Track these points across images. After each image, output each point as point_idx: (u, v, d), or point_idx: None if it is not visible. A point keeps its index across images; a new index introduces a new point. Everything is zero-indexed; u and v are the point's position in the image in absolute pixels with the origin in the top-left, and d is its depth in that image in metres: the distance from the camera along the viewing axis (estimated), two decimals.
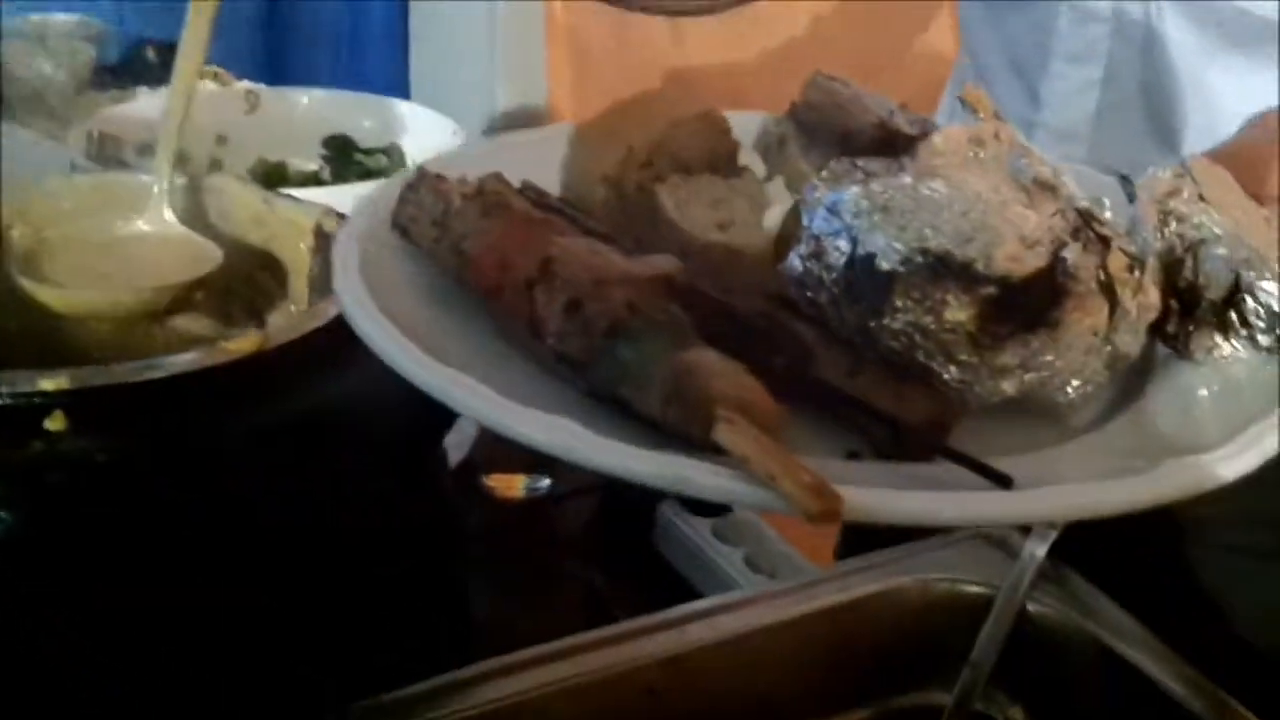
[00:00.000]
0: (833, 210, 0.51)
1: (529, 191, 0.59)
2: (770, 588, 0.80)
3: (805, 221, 0.52)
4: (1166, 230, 0.53)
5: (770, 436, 0.44)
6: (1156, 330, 0.53)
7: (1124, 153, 0.90)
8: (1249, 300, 0.52)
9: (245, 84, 1.35)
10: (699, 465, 0.42)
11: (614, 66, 1.71)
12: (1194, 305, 0.53)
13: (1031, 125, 0.94)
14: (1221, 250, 0.52)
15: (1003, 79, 1.00)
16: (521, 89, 1.69)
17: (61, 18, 1.49)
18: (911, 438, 0.48)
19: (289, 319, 0.75)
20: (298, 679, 0.65)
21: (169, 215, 0.80)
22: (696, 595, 0.91)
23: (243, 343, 0.62)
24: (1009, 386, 0.49)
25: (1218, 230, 0.52)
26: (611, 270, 0.49)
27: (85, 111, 1.26)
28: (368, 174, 1.22)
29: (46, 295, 0.75)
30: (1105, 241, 0.50)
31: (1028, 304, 0.48)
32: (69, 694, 0.60)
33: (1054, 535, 0.79)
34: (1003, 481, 0.44)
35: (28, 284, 0.75)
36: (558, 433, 0.44)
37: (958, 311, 0.48)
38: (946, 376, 0.49)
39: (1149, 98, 0.89)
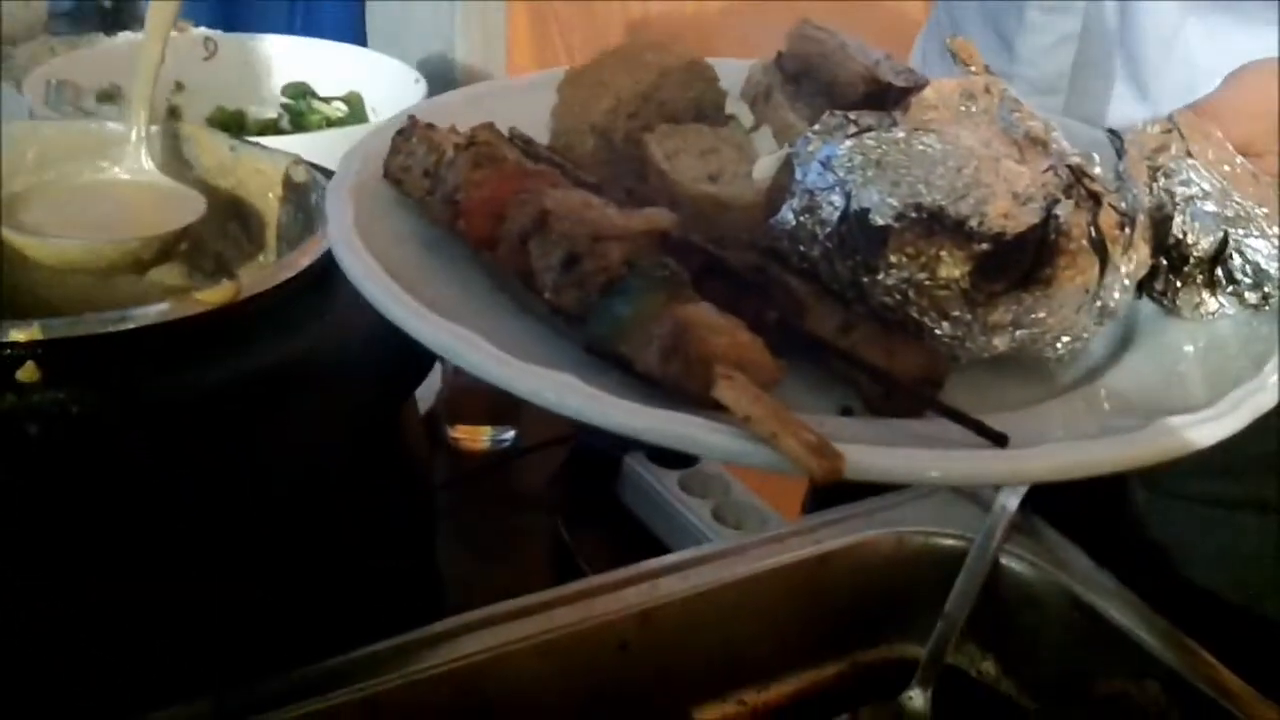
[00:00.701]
0: (826, 164, 0.52)
1: (518, 141, 0.59)
2: (742, 540, 0.80)
3: (798, 175, 0.53)
4: (1155, 186, 0.54)
5: (768, 393, 0.44)
6: (1143, 287, 0.53)
7: (1100, 107, 0.91)
8: (1236, 257, 0.53)
9: (203, 30, 1.33)
10: (701, 423, 0.43)
11: (574, 17, 1.70)
12: (1182, 262, 0.53)
13: (1008, 78, 0.94)
14: (1210, 207, 0.53)
15: (977, 30, 1.00)
16: (480, 39, 1.67)
17: None
18: (904, 393, 0.48)
19: (261, 270, 0.75)
20: (266, 633, 0.65)
21: (148, 163, 0.78)
22: (663, 548, 0.93)
23: (216, 293, 0.62)
24: (1000, 343, 0.50)
25: (1206, 187, 0.53)
26: (608, 224, 0.50)
27: (40, 58, 1.24)
28: (327, 122, 1.21)
29: (28, 245, 0.73)
30: (1096, 198, 0.50)
31: (1021, 261, 0.49)
32: (36, 642, 0.60)
33: (1025, 488, 0.80)
34: (998, 440, 0.44)
35: (9, 234, 0.73)
36: (563, 390, 0.45)
37: (951, 268, 0.49)
38: (939, 332, 0.50)
39: (1126, 51, 0.90)
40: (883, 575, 0.81)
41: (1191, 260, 0.53)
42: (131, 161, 0.79)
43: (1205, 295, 0.54)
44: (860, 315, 0.51)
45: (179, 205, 0.76)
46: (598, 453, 1.00)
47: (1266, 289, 0.53)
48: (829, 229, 0.51)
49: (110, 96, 1.11)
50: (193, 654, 0.63)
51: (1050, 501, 0.81)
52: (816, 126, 0.53)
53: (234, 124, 1.19)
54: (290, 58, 1.27)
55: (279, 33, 1.32)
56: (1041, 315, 0.50)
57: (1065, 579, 0.78)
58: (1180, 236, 0.53)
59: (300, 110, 1.23)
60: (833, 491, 1.18)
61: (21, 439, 0.57)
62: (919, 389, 0.48)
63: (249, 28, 1.45)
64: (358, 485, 0.69)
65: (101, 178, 0.79)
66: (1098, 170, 0.53)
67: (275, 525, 0.64)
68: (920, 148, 0.50)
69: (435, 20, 1.63)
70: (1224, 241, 0.53)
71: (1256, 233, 0.53)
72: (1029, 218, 0.49)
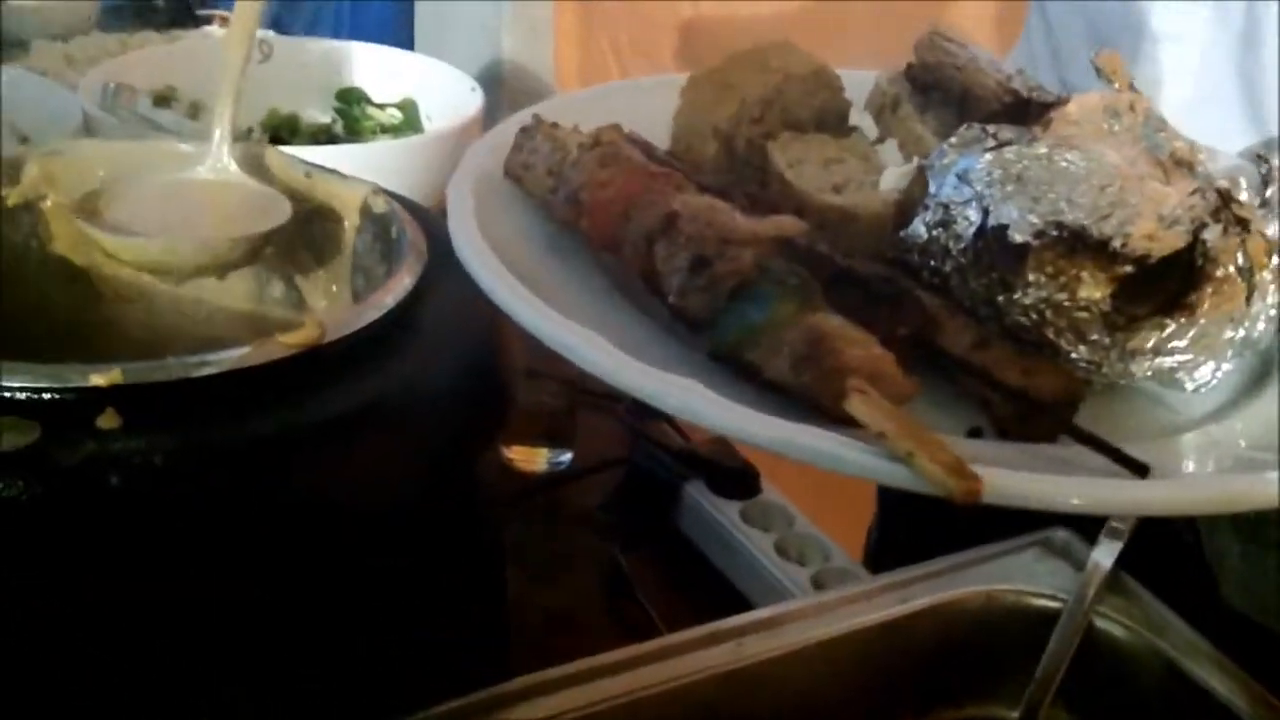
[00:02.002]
0: (963, 177, 0.51)
1: (637, 143, 0.59)
2: (828, 597, 0.78)
3: (933, 188, 0.52)
4: None
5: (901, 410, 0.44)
6: None
7: (1218, 145, 0.90)
8: None
9: (259, 32, 1.35)
10: (834, 438, 0.43)
11: (622, 16, 1.69)
12: None
13: None
14: None
15: (1086, 57, 0.99)
16: (527, 39, 1.67)
17: None
18: (1039, 415, 0.48)
19: (340, 306, 0.75)
20: (348, 680, 0.65)
21: (232, 165, 0.78)
22: (721, 579, 0.93)
23: (298, 336, 0.61)
24: (1137, 369, 0.50)
25: None
26: (737, 229, 0.50)
27: (93, 54, 1.24)
28: (381, 129, 1.22)
29: (106, 242, 0.73)
30: (1244, 224, 0.49)
31: (1165, 285, 0.48)
32: (119, 691, 0.59)
33: (1120, 546, 0.78)
34: (1139, 469, 0.44)
35: (92, 231, 0.73)
36: (689, 396, 0.44)
37: (1093, 289, 0.48)
38: (1075, 355, 0.49)
39: (1247, 85, 0.88)
40: (971, 634, 0.79)
41: None
42: (214, 161, 0.78)
43: None
44: (994, 334, 0.50)
45: (263, 208, 0.76)
46: (656, 479, 1.00)
47: None
48: (964, 244, 0.51)
49: (166, 99, 1.13)
50: (275, 703, 0.63)
51: (1138, 558, 0.80)
52: (953, 139, 0.53)
53: (287, 128, 1.20)
54: (345, 62, 1.28)
55: (326, 30, 1.32)
56: (1184, 344, 0.49)
57: (1161, 643, 0.76)
58: None
59: (354, 116, 1.24)
60: (896, 531, 1.18)
61: (103, 489, 0.55)
62: (1055, 411, 0.47)
63: (296, 25, 1.47)
64: (436, 529, 0.68)
65: (184, 177, 0.78)
66: (1244, 195, 0.52)
67: (354, 571, 0.63)
68: (1063, 164, 0.50)
69: (482, 19, 1.64)
70: None
71: None
72: (1175, 241, 0.48)
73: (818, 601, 0.77)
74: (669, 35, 1.65)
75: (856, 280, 0.51)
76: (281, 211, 0.75)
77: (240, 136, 1.14)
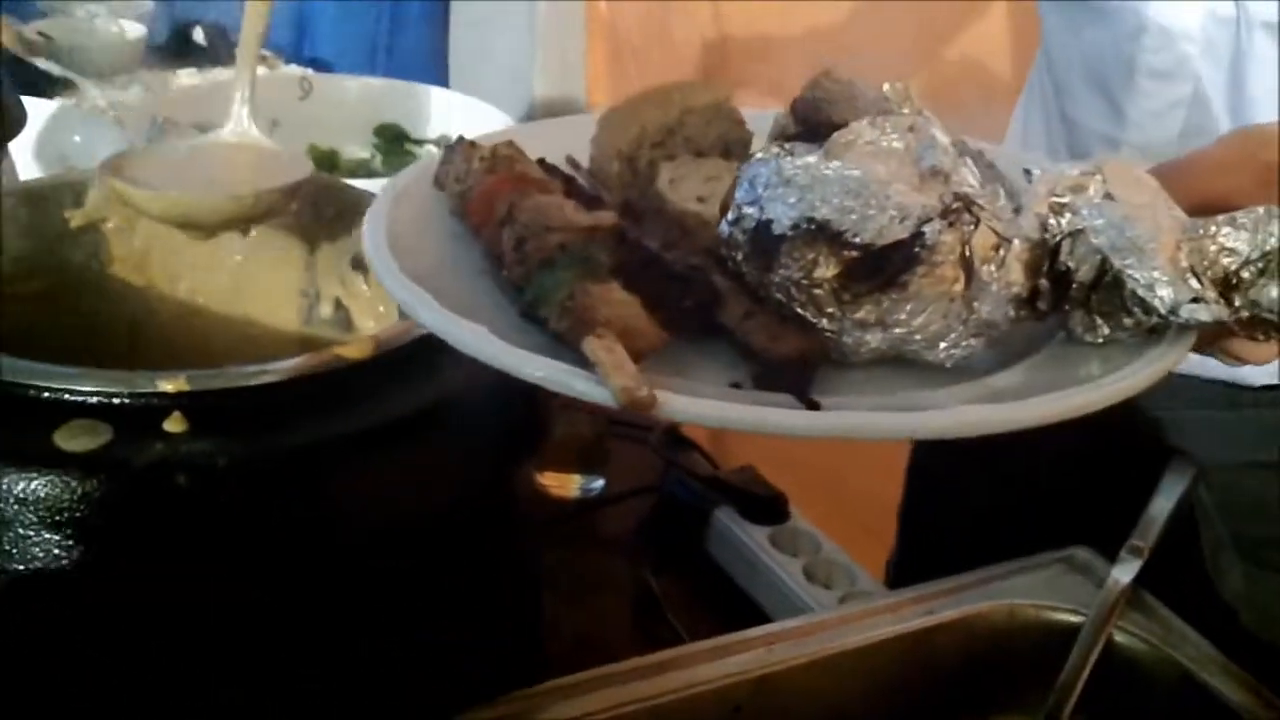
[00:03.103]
0: (751, 183, 0.63)
1: (544, 165, 0.72)
2: (855, 609, 0.84)
3: (736, 194, 0.64)
4: (1061, 220, 0.62)
5: (640, 358, 0.56)
6: (1030, 306, 0.61)
7: None
8: (1117, 285, 0.60)
9: (299, 70, 1.43)
10: (562, 367, 0.55)
11: (653, 61, 1.74)
12: (1067, 287, 0.61)
13: (1116, 143, 0.99)
14: (1098, 239, 0.61)
15: (1083, 92, 1.04)
16: (559, 80, 1.73)
17: None
18: (778, 372, 0.58)
19: (386, 327, 0.77)
20: (394, 682, 0.69)
21: (252, 127, 0.82)
22: (751, 603, 0.98)
23: (354, 348, 0.65)
24: (872, 339, 0.60)
25: (1101, 222, 0.61)
26: (558, 218, 0.63)
27: (137, 91, 1.36)
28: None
29: (137, 197, 0.76)
30: (976, 222, 0.59)
31: (883, 268, 0.58)
32: (184, 693, 0.63)
33: (1139, 563, 0.84)
34: (812, 405, 0.54)
35: (121, 185, 0.76)
36: (472, 336, 0.57)
37: (825, 270, 0.59)
38: (820, 326, 0.60)
39: (1235, 118, 0.93)
40: (994, 647, 0.84)
41: (1075, 285, 0.61)
42: (236, 125, 0.83)
43: (1091, 319, 0.61)
44: (761, 308, 0.61)
45: (286, 165, 0.81)
46: (686, 505, 1.07)
47: (1139, 316, 0.60)
48: (746, 236, 0.62)
49: (207, 131, 1.23)
50: (335, 706, 0.67)
51: (1157, 578, 0.85)
52: (759, 153, 0.64)
53: (327, 163, 1.27)
54: (383, 99, 1.34)
55: (362, 65, 1.38)
56: (903, 316, 0.59)
57: (1179, 656, 0.81)
58: (1068, 264, 0.61)
59: (392, 151, 1.31)
60: (915, 554, 1.24)
61: (170, 489, 0.58)
62: (789, 367, 0.58)
63: (326, 55, 1.54)
64: (475, 540, 0.73)
65: (207, 140, 0.83)
66: (1002, 204, 0.62)
67: (399, 577, 0.67)
68: (827, 171, 0.61)
69: (515, 60, 1.71)
70: (1102, 269, 0.60)
71: (1139, 264, 0.60)
72: (899, 233, 0.59)
73: (845, 613, 0.84)
74: (697, 73, 1.71)
75: (660, 264, 0.64)
76: (302, 168, 0.80)
77: None
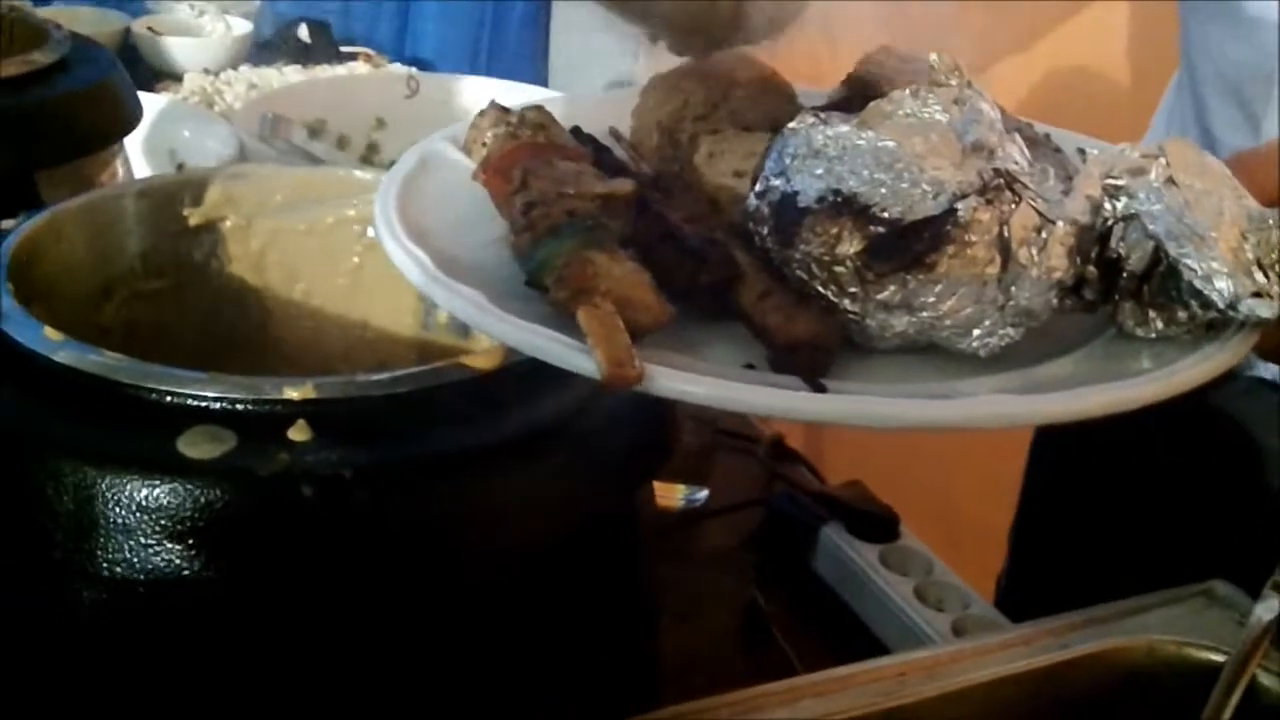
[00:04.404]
0: (780, 154, 0.58)
1: (578, 134, 0.69)
2: (988, 641, 0.80)
3: (764, 165, 0.59)
4: (1115, 203, 0.56)
5: (643, 332, 0.52)
6: (1075, 295, 0.56)
7: None
8: (1171, 276, 0.55)
9: (405, 68, 1.42)
10: (547, 333, 0.51)
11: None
12: (1116, 276, 0.56)
13: None
14: (1155, 226, 0.55)
15: (1222, 106, 1.00)
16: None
17: None
18: (791, 354, 0.54)
19: None
20: (510, 702, 0.67)
21: None
22: (858, 621, 0.94)
23: (484, 360, 0.64)
24: (898, 323, 0.55)
25: (1159, 207, 0.55)
26: (572, 185, 0.59)
27: (243, 88, 1.35)
28: None
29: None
30: (1017, 201, 0.54)
31: (909, 245, 0.54)
32: (309, 703, 0.61)
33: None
34: (819, 389, 0.50)
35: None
36: (467, 303, 0.54)
37: (848, 246, 0.55)
38: (842, 306, 0.56)
39: None
40: (1131, 684, 0.80)
41: (1125, 274, 0.56)
42: None
43: (1142, 311, 0.56)
44: (780, 287, 0.57)
45: None
46: (793, 521, 1.03)
47: (1195, 309, 0.54)
48: (770, 209, 0.58)
49: (317, 131, 1.23)
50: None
51: None
52: (792, 124, 0.60)
53: None
54: (488, 99, 1.32)
55: (463, 65, 1.35)
56: (930, 299, 0.54)
57: None
58: (1118, 251, 0.56)
59: None
60: (1027, 576, 1.18)
61: (296, 500, 0.57)
62: (802, 352, 0.54)
63: (435, 60, 1.51)
64: (597, 557, 0.70)
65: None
66: (1051, 184, 0.56)
67: (521, 593, 0.65)
68: (859, 142, 0.56)
69: (616, 59, 1.70)
70: (1156, 257, 0.55)
71: (1197, 253, 0.54)
72: (930, 209, 0.54)
73: (977, 645, 0.79)
74: (793, 75, 1.67)
75: (678, 236, 0.59)
76: None
77: (370, 151, 1.27)
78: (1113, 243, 0.56)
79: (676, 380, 0.49)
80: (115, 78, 0.98)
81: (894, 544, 0.97)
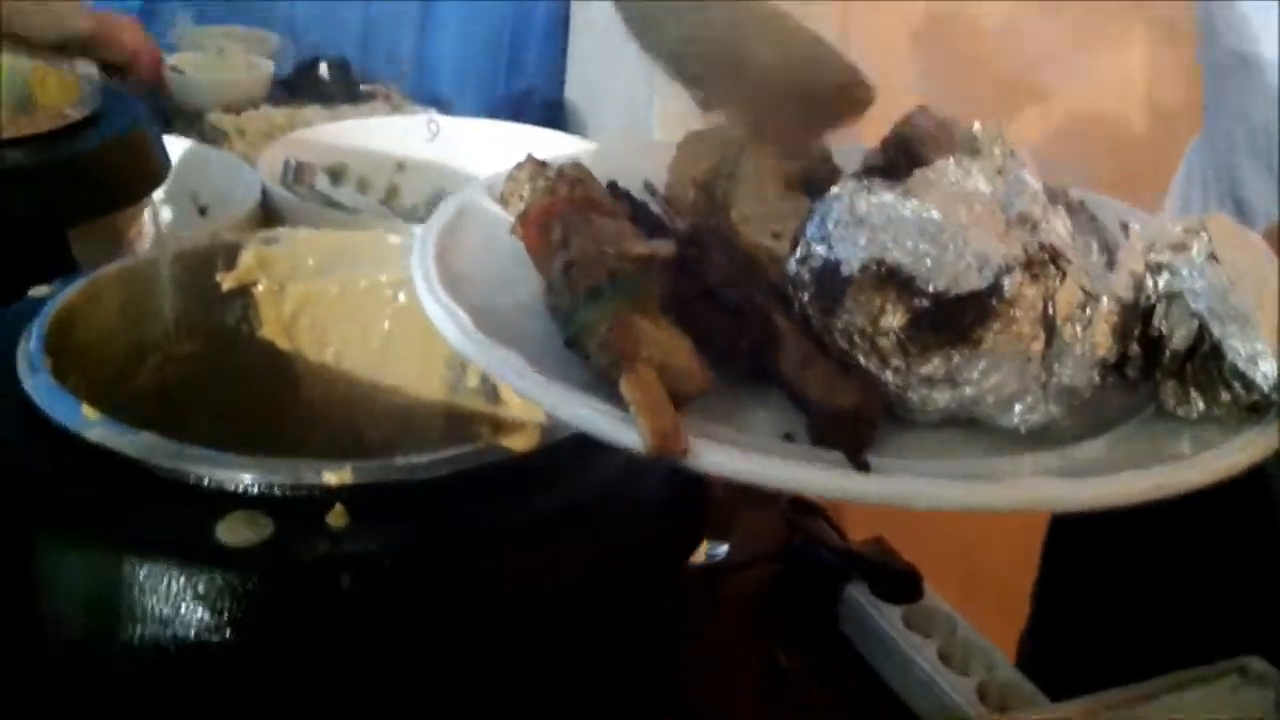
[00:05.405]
0: (823, 219, 0.58)
1: (614, 190, 0.68)
2: (1018, 716, 0.79)
3: (805, 230, 0.59)
4: (1158, 280, 0.56)
5: (683, 400, 0.51)
6: (1118, 373, 0.55)
7: None
8: (1215, 356, 0.54)
9: (424, 109, 1.42)
10: (581, 400, 0.50)
11: None
12: (1159, 355, 0.55)
13: None
14: (1198, 304, 0.55)
15: (1249, 170, 0.99)
16: (678, 127, 1.73)
17: (241, 30, 1.63)
18: (832, 426, 0.53)
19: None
20: None
21: None
22: (883, 683, 0.92)
23: (520, 439, 0.63)
24: (941, 397, 0.55)
25: (1201, 285, 0.55)
26: (612, 244, 0.58)
27: (263, 127, 1.34)
28: None
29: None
30: (1062, 276, 0.53)
31: (955, 320, 0.53)
32: None
33: None
34: (861, 467, 0.49)
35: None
36: (505, 364, 0.53)
37: (892, 318, 0.54)
38: (884, 379, 0.55)
39: None
40: None
41: (1168, 354, 0.55)
42: None
43: (1185, 391, 0.55)
44: (822, 354, 0.56)
45: None
46: (815, 577, 1.01)
47: (1238, 391, 0.54)
48: (812, 276, 0.57)
49: (338, 175, 1.23)
50: None
51: None
52: (835, 188, 0.59)
53: None
54: (509, 143, 1.30)
55: (482, 76, 1.31)
56: (974, 375, 0.54)
57: None
58: (1161, 329, 0.55)
59: None
60: (1049, 636, 1.17)
61: (334, 589, 0.56)
62: (844, 423, 0.53)
63: (445, 76, 1.50)
64: (640, 628, 0.70)
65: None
66: (1094, 258, 0.56)
67: (555, 667, 0.65)
68: (904, 211, 0.56)
69: (631, 104, 1.69)
70: (1199, 337, 0.54)
71: (1241, 334, 0.53)
72: (975, 282, 0.53)
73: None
74: None
75: (717, 298, 0.59)
76: None
77: (405, 215, 1.26)
78: (1156, 320, 0.55)
79: (721, 455, 0.48)
80: (146, 130, 0.98)
81: (918, 604, 0.95)
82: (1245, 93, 0.96)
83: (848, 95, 0.78)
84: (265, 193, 1.10)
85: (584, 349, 0.55)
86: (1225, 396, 0.55)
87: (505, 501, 0.61)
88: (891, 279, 0.54)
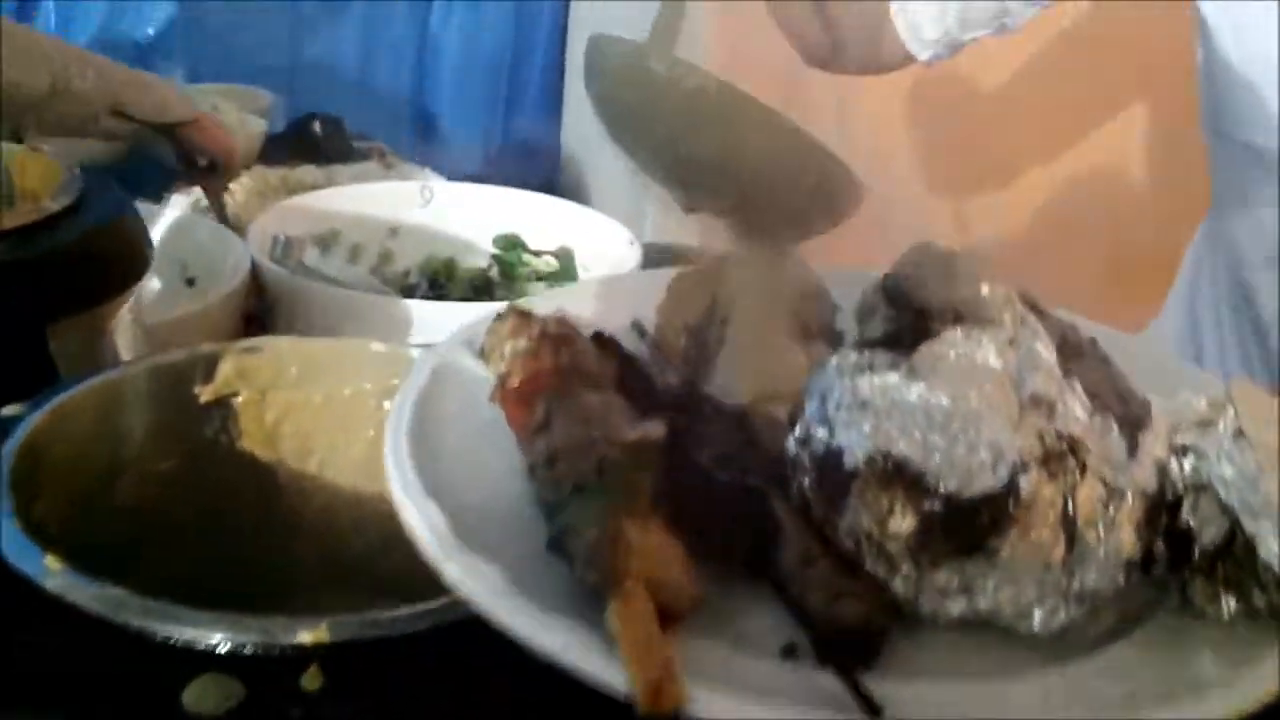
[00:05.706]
0: (823, 399, 0.54)
1: (600, 341, 0.64)
2: None
3: (805, 408, 0.55)
4: (1184, 464, 0.52)
5: (675, 619, 0.47)
6: (1143, 570, 0.51)
7: None
8: (1249, 554, 0.50)
9: (420, 172, 1.40)
10: (566, 635, 0.46)
11: None
12: (1187, 551, 0.51)
13: None
14: (1229, 494, 0.51)
15: (1263, 275, 0.94)
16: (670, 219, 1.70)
17: (235, 89, 1.60)
18: (831, 639, 0.49)
19: None
20: None
21: None
22: None
23: None
24: (955, 607, 0.51)
25: (1232, 472, 0.51)
26: (598, 425, 0.54)
27: (256, 187, 1.32)
28: (537, 276, 1.24)
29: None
30: (1083, 470, 0.50)
31: (970, 528, 0.49)
32: None
33: None
34: (873, 710, 0.45)
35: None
36: (475, 578, 0.49)
37: (900, 521, 0.50)
38: (893, 586, 0.51)
39: None
40: None
41: (1198, 552, 0.51)
42: None
43: (1214, 589, 0.51)
44: (824, 550, 0.52)
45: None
46: None
47: (1274, 595, 0.50)
48: (813, 461, 0.53)
49: (329, 242, 1.21)
50: None
51: None
52: (834, 359, 0.55)
53: (444, 273, 1.24)
54: (505, 207, 1.31)
55: (478, 114, 1.28)
56: (990, 586, 0.50)
57: None
58: (1189, 523, 0.51)
59: (511, 262, 1.26)
60: None
61: None
62: (848, 641, 0.49)
63: (444, 108, 1.58)
64: None
65: None
66: (1114, 436, 0.52)
67: None
68: (911, 397, 0.52)
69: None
70: (1231, 534, 0.50)
71: (1275, 529, 0.50)
72: (989, 482, 0.49)
73: None
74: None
75: (713, 484, 0.55)
76: None
77: (398, 281, 1.22)
78: (1184, 514, 0.52)
79: (718, 705, 0.44)
80: (128, 219, 0.92)
81: None
82: (1260, 191, 0.91)
83: (837, 194, 0.75)
84: (254, 266, 1.07)
85: (568, 551, 0.51)
86: (1259, 600, 0.51)
87: (491, 656, 0.55)
88: (899, 475, 0.50)
